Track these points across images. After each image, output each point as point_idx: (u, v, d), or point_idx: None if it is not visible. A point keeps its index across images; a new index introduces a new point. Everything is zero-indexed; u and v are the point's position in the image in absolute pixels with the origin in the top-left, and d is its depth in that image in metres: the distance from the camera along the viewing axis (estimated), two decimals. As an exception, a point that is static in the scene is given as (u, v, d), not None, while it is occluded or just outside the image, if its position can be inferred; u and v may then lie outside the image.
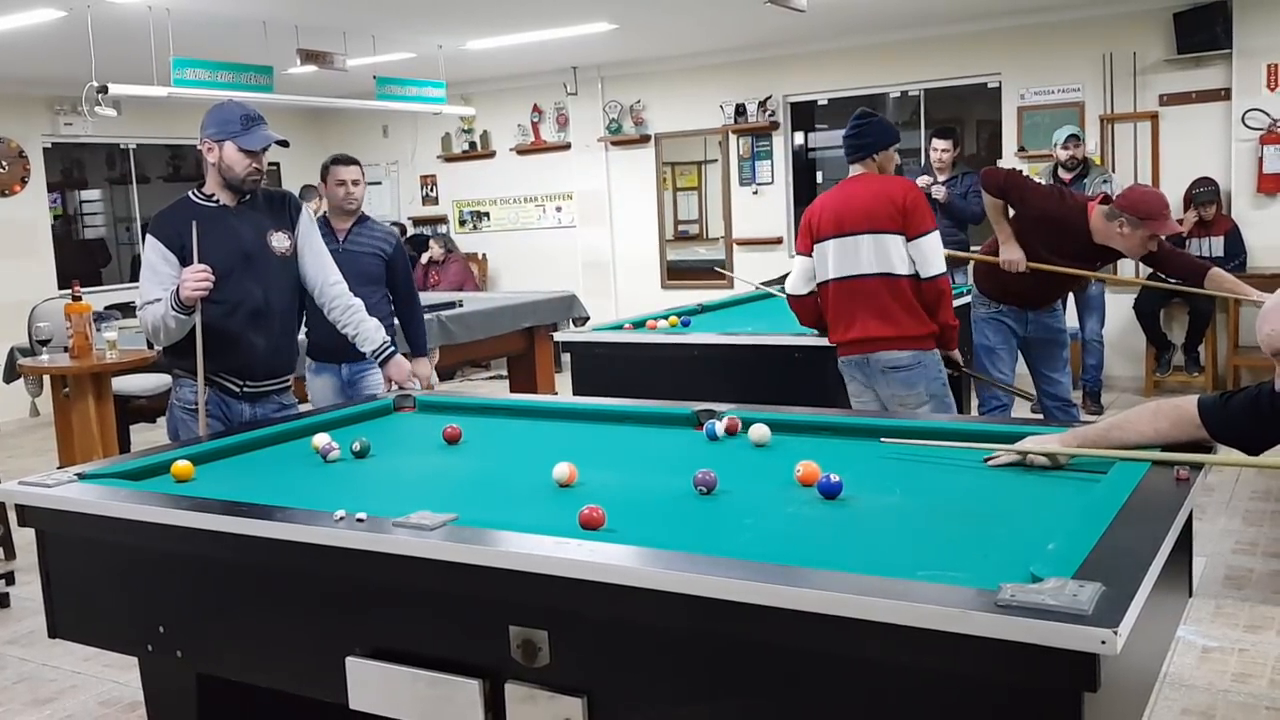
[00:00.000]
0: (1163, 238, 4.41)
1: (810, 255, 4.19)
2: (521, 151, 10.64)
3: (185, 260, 3.34)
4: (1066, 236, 4.58)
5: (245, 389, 3.47)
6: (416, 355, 4.63)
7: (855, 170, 4.17)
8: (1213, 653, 3.46)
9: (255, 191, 3.49)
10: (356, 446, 2.79)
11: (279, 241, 3.49)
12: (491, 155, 10.82)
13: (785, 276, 4.61)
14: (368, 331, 3.68)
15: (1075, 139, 6.91)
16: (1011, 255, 4.67)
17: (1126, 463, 2.24)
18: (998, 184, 4.74)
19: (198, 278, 3.24)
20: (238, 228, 3.42)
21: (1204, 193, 7.32)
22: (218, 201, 3.44)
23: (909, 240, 3.97)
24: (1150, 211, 4.34)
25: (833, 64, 8.99)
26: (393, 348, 3.70)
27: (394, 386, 3.67)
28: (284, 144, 3.45)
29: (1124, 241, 4.42)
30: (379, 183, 11.29)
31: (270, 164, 12.08)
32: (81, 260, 10.05)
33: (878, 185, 4.06)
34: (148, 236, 3.44)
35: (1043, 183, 5.97)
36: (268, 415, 3.46)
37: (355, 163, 4.69)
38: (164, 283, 3.36)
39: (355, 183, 4.61)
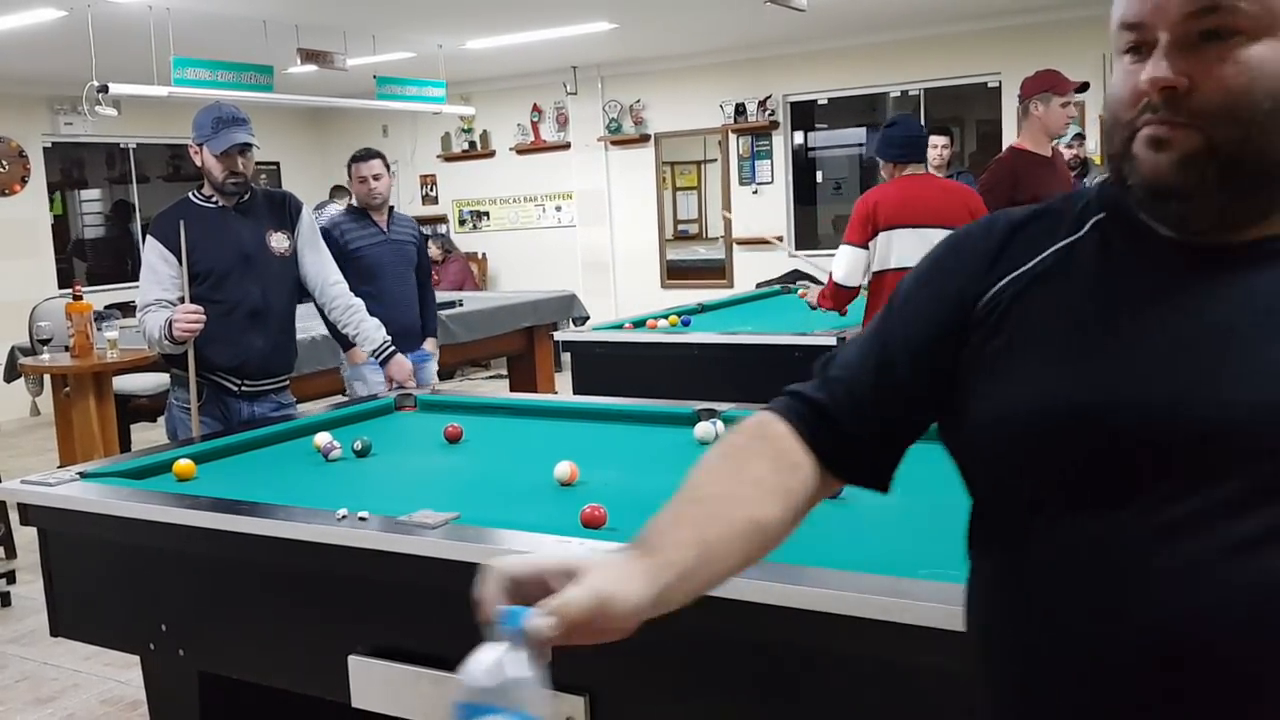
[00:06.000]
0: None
1: (865, 246, 4.24)
2: (521, 151, 10.65)
3: (185, 260, 3.35)
4: (1047, 171, 4.60)
5: (243, 388, 3.47)
6: (429, 336, 4.82)
7: (913, 170, 4.34)
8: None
9: (254, 192, 3.50)
10: (358, 445, 2.79)
11: (278, 242, 3.50)
12: (491, 155, 10.83)
13: (811, 261, 4.66)
14: (368, 331, 3.69)
15: (1080, 138, 6.88)
16: None
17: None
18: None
19: (190, 318, 3.25)
20: (237, 228, 3.43)
21: None
22: (216, 202, 3.44)
23: None
24: (1044, 82, 4.54)
25: (833, 63, 9.00)
26: (393, 347, 3.71)
27: (394, 385, 3.67)
28: (246, 146, 3.39)
29: (1051, 121, 4.53)
30: (379, 182, 11.28)
31: (269, 163, 12.07)
32: (94, 260, 10.07)
33: (945, 185, 4.31)
34: (148, 237, 3.45)
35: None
36: (266, 414, 3.46)
37: (377, 156, 4.71)
38: (163, 283, 3.36)
39: (377, 177, 4.65)
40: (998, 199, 4.78)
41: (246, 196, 3.47)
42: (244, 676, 2.31)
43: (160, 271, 3.37)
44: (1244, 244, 0.91)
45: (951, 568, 1.69)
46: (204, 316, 3.28)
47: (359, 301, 3.73)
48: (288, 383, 3.64)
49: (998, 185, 4.81)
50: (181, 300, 3.35)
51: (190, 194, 3.49)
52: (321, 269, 3.62)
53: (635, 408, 3.12)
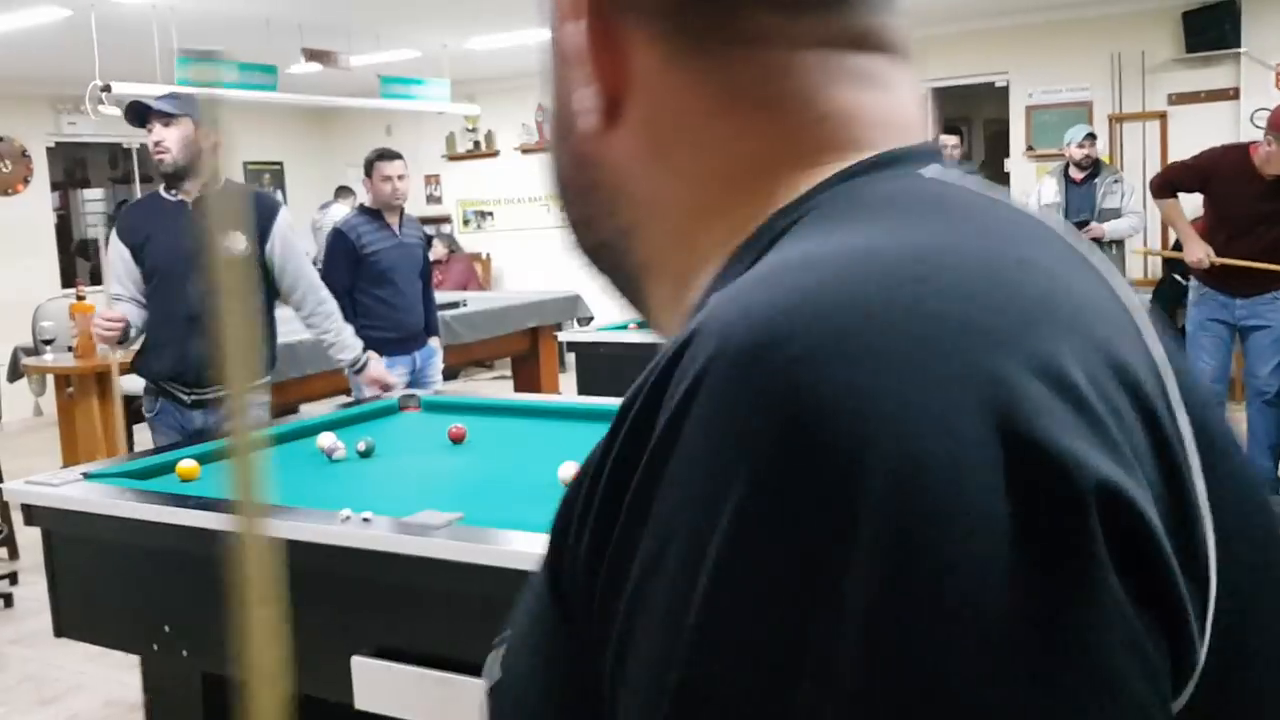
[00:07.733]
0: None
1: None
2: (526, 150, 10.63)
3: (139, 257, 3.33)
4: (1247, 187, 4.50)
5: (192, 397, 3.40)
6: (432, 334, 4.80)
7: None
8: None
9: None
10: (362, 446, 2.77)
11: (233, 242, 3.44)
12: (496, 154, 10.81)
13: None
14: (346, 339, 3.66)
15: (1091, 138, 6.78)
16: (1195, 253, 4.49)
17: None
18: (1164, 180, 4.76)
19: (106, 325, 3.23)
20: (189, 225, 3.32)
21: None
22: (177, 197, 3.39)
23: None
24: None
25: (838, 63, 8.97)
26: (368, 355, 3.70)
27: (381, 389, 3.66)
28: (138, 110, 3.34)
29: (1273, 160, 4.40)
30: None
31: (272, 163, 12.04)
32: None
33: None
34: (111, 231, 3.47)
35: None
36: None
37: (400, 157, 4.65)
38: (120, 278, 3.37)
39: (401, 177, 4.59)
40: (1185, 176, 4.73)
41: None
42: (247, 678, 2.30)
43: (117, 266, 3.39)
44: None
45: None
46: (119, 326, 3.23)
47: (335, 307, 3.67)
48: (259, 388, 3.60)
49: (1187, 170, 4.76)
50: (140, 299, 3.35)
51: (160, 188, 3.45)
52: (300, 274, 3.55)
53: (641, 408, 3.10)
